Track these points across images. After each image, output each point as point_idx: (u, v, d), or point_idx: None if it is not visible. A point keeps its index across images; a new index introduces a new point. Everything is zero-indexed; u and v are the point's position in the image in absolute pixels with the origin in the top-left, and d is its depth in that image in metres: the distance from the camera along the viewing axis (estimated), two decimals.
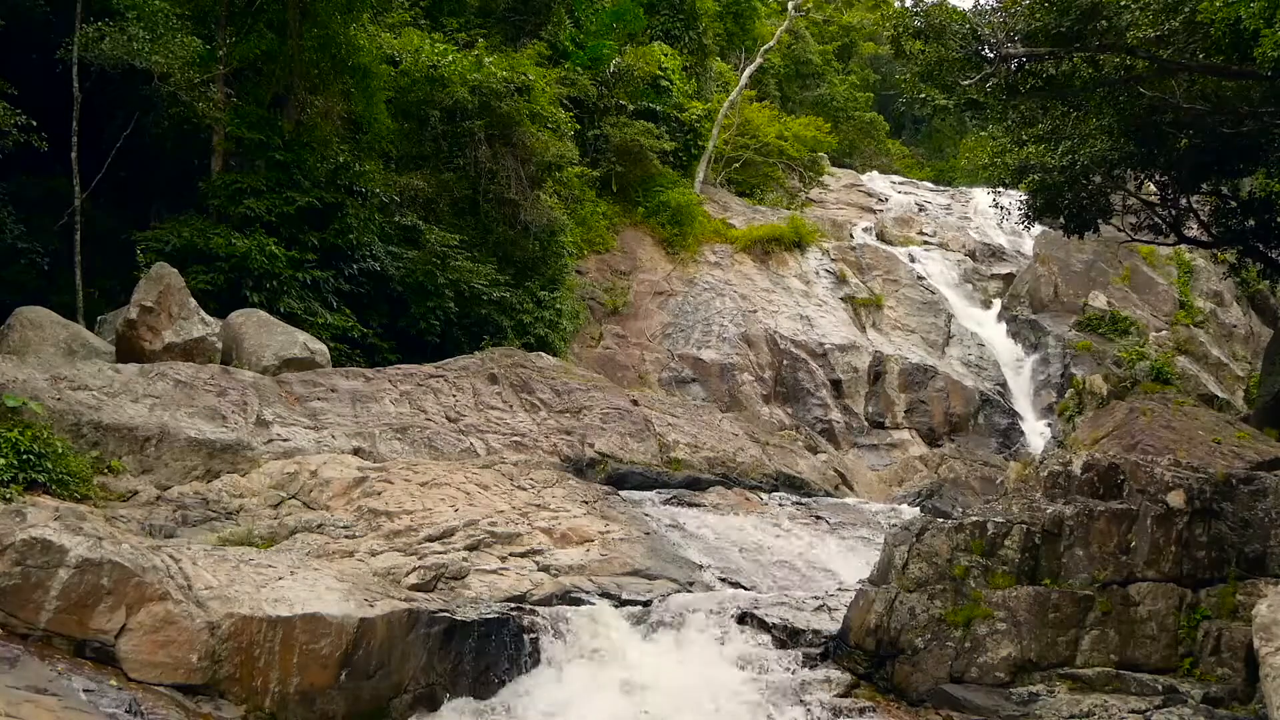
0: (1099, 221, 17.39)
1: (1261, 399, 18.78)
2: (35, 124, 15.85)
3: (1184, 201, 17.92)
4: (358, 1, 20.58)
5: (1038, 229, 26.12)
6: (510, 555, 12.19)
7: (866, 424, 26.50)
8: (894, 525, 12.03)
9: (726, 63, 41.33)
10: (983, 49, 13.27)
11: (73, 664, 8.72)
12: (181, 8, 19.28)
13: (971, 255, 33.84)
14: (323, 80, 20.80)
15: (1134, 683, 9.58)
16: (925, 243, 34.56)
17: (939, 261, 33.06)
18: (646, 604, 11.46)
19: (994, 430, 26.38)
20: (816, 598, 11.94)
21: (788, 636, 10.83)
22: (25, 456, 10.71)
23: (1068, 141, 15.57)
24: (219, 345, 16.08)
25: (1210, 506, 10.14)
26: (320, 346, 17.12)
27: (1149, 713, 9.15)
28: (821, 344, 27.56)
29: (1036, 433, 25.87)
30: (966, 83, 13.57)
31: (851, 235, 34.83)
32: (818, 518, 15.66)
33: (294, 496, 12.87)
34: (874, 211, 37.93)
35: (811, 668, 10.47)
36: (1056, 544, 10.38)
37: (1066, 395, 24.64)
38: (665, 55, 33.46)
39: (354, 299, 19.76)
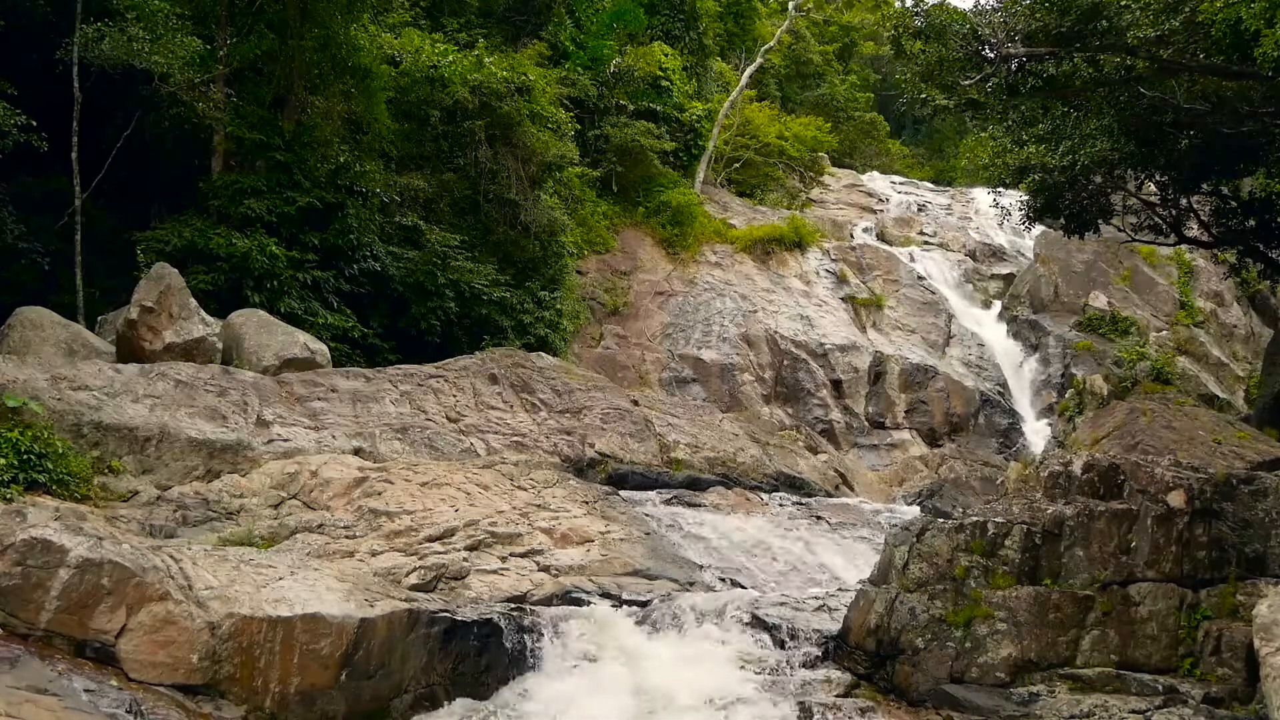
0: (1099, 222, 17.37)
1: (1262, 399, 18.79)
2: (35, 124, 15.85)
3: (1184, 201, 17.89)
4: (358, 1, 20.59)
5: (1038, 229, 26.11)
6: (510, 555, 12.19)
7: (867, 424, 26.52)
8: (894, 525, 12.03)
9: (727, 63, 41.35)
10: (983, 49, 13.25)
11: (73, 664, 8.72)
12: (181, 8, 19.29)
13: (972, 255, 33.86)
14: (323, 80, 20.82)
15: (1134, 683, 9.58)
16: (925, 243, 34.59)
17: (939, 261, 33.09)
18: (647, 604, 11.45)
19: (994, 430, 26.40)
20: (816, 598, 11.94)
21: (788, 636, 10.82)
22: (26, 457, 10.71)
23: (1068, 141, 15.54)
24: (219, 345, 16.08)
25: (1211, 506, 10.13)
26: (320, 346, 17.12)
27: (1149, 713, 9.15)
28: (822, 344, 27.57)
29: (1037, 433, 25.89)
30: (967, 83, 13.55)
31: (852, 235, 34.85)
32: (818, 518, 15.65)
33: (294, 496, 12.87)
34: (874, 211, 37.94)
35: (812, 668, 10.47)
36: (1057, 544, 10.38)
37: (1067, 395, 24.65)
38: (665, 55, 33.48)
39: (354, 299, 19.77)
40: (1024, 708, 9.43)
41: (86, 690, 8.37)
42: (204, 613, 9.25)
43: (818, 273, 31.10)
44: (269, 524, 12.04)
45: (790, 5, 43.39)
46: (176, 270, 16.11)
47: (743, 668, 10.42)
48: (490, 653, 10.17)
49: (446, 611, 10.31)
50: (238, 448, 13.52)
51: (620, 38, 32.44)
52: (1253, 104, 13.86)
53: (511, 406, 16.92)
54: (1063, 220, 17.48)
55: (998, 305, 31.13)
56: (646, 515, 14.33)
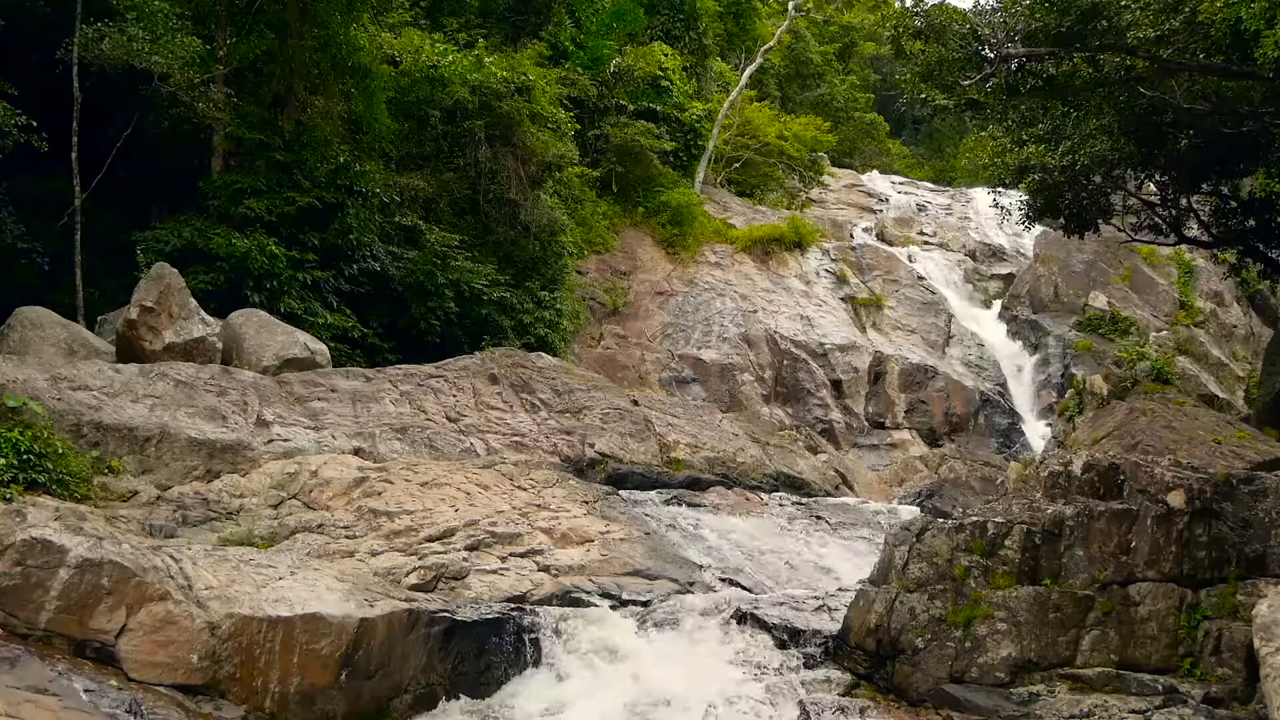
0: (1099, 221, 17.37)
1: (1261, 399, 18.77)
2: (35, 124, 15.84)
3: (1184, 201, 17.89)
4: (358, 1, 20.59)
5: (1038, 229, 26.13)
6: (510, 555, 12.19)
7: (867, 424, 26.52)
8: (894, 525, 12.03)
9: (726, 63, 41.34)
10: (983, 49, 13.26)
11: (73, 664, 8.72)
12: (181, 8, 19.28)
13: (972, 255, 33.87)
14: (323, 80, 20.80)
15: (1134, 683, 9.58)
16: (925, 243, 34.59)
17: (939, 261, 33.10)
18: (647, 604, 11.46)
19: (994, 430, 26.40)
20: (816, 598, 11.94)
21: (788, 636, 10.83)
22: (26, 457, 10.71)
23: (1068, 141, 15.54)
24: (219, 345, 16.07)
25: (1210, 506, 10.13)
26: (320, 346, 17.11)
27: (1149, 713, 9.15)
28: (822, 344, 27.57)
29: (1037, 433, 25.89)
30: (966, 83, 13.56)
31: (852, 235, 34.84)
32: (818, 518, 15.65)
33: (294, 496, 12.87)
34: (874, 211, 37.95)
35: (811, 668, 10.48)
36: (1057, 544, 10.38)
37: (1067, 395, 24.60)
38: (665, 55, 33.48)
39: (354, 299, 19.76)
40: (1024, 707, 9.43)
41: (86, 690, 8.37)
42: (204, 613, 9.25)
43: (817, 273, 31.11)
44: (269, 524, 12.05)
45: (790, 5, 43.36)
46: (176, 270, 16.10)
47: (742, 668, 10.43)
48: (490, 653, 10.18)
49: (446, 611, 10.32)
50: (238, 448, 13.52)
51: (620, 38, 32.44)
52: (1253, 104, 13.86)
53: (511, 406, 16.92)
54: (1063, 220, 17.48)
55: (998, 305, 31.13)
56: (646, 515, 14.34)
